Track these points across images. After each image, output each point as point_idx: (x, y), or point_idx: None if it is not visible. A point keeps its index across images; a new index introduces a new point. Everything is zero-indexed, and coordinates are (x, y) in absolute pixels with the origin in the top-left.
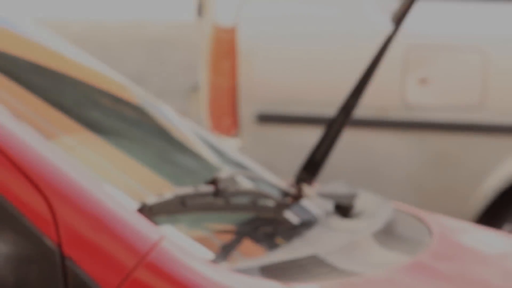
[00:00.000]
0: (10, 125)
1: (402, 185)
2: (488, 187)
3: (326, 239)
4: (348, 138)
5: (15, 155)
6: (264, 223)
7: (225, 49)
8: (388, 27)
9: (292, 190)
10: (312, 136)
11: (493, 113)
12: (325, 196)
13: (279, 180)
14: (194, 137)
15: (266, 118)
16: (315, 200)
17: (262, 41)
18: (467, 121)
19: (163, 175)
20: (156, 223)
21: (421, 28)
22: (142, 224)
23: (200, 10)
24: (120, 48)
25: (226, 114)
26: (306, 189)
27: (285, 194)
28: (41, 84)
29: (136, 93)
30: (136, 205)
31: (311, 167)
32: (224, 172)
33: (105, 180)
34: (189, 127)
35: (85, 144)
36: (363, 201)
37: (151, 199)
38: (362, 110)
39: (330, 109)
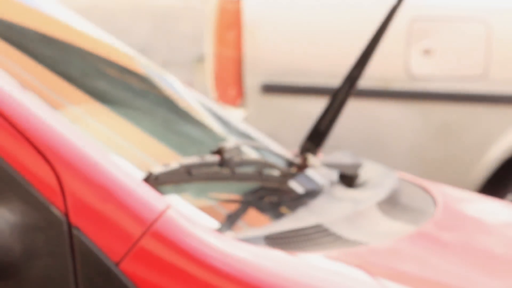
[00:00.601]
0: (17, 95)
1: (406, 155)
2: (491, 157)
3: (331, 209)
4: (353, 108)
5: (22, 125)
6: (269, 193)
7: (230, 19)
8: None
9: (297, 160)
10: (316, 106)
11: (497, 84)
12: (330, 166)
13: (284, 150)
14: (199, 108)
15: (270, 88)
16: (320, 170)
17: (266, 11)
18: (471, 91)
19: (169, 145)
20: (162, 192)
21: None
22: (148, 194)
23: None
24: (126, 19)
25: (231, 84)
26: (311, 159)
27: (290, 164)
28: (48, 54)
29: (142, 64)
30: (142, 175)
31: (316, 137)
32: (230, 142)
33: (112, 150)
34: (195, 98)
35: (92, 114)
36: (367, 171)
37: (157, 169)
38: (366, 80)
39: (334, 80)
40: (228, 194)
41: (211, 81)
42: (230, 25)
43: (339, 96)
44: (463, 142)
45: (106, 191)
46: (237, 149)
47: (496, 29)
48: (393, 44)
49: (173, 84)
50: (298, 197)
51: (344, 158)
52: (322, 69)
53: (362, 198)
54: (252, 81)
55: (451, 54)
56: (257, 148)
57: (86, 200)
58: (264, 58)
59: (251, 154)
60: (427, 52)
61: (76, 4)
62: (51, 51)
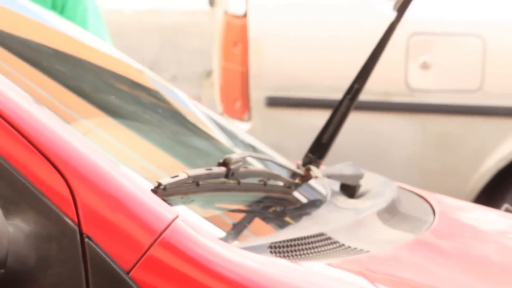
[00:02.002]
0: (31, 109)
1: (405, 165)
2: (487, 168)
3: (333, 218)
4: (354, 121)
5: (36, 138)
6: (274, 203)
7: (236, 35)
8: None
9: (301, 171)
10: (319, 119)
11: (492, 96)
12: (332, 177)
13: (288, 161)
14: (206, 121)
15: (275, 102)
16: (322, 181)
17: (271, 28)
18: (467, 104)
19: (177, 157)
20: (170, 203)
21: (423, 14)
22: (158, 204)
23: (212, 0)
24: (135, 35)
25: (237, 98)
26: (314, 170)
27: (294, 175)
28: (61, 69)
29: (151, 78)
30: (151, 186)
31: (319, 149)
32: (235, 154)
33: (122, 162)
34: (202, 111)
35: (103, 127)
36: (368, 182)
37: (166, 180)
38: (367, 94)
39: (336, 94)
40: (234, 204)
41: (218, 95)
42: (236, 40)
43: (341, 109)
44: (460, 152)
45: (117, 202)
46: (243, 160)
47: (492, 43)
48: (392, 58)
49: (181, 98)
50: (302, 207)
51: (346, 169)
52: (325, 84)
53: (363, 207)
54: (257, 94)
55: (448, 68)
56: (262, 160)
57: (97, 210)
58: (269, 72)
59: (256, 165)
60: (425, 66)
61: None
62: (64, 67)
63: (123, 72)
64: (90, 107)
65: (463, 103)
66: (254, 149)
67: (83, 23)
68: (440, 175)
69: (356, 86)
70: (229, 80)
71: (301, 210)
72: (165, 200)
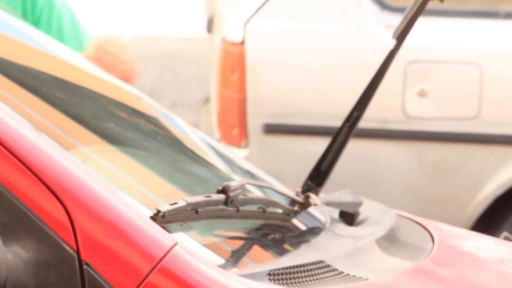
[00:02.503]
0: (30, 135)
1: (402, 193)
2: (484, 195)
3: (332, 246)
4: (351, 148)
5: (35, 164)
6: (273, 230)
7: (233, 62)
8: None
9: (300, 199)
10: (316, 146)
11: (489, 124)
12: (331, 204)
13: (287, 189)
14: (205, 147)
15: (272, 129)
16: (321, 208)
17: (268, 55)
18: (465, 131)
19: (176, 184)
20: (169, 230)
21: (420, 42)
22: (156, 231)
23: (209, 26)
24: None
25: (234, 125)
26: (313, 197)
27: (293, 202)
28: (60, 96)
29: (150, 105)
30: (150, 213)
31: (318, 177)
32: (235, 181)
33: (121, 189)
34: (201, 137)
35: (102, 154)
36: (367, 209)
37: (165, 207)
38: (364, 121)
39: (334, 121)
40: (233, 231)
41: (215, 121)
42: (234, 67)
43: (340, 137)
44: (457, 180)
45: (116, 229)
46: (242, 188)
47: (489, 71)
48: (389, 86)
49: (180, 125)
50: (301, 234)
51: (345, 196)
52: (321, 111)
53: (362, 235)
54: (255, 121)
55: (445, 96)
56: (261, 187)
57: (96, 237)
58: (266, 99)
59: (255, 192)
60: (422, 93)
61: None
62: (63, 93)
63: (122, 99)
64: (89, 134)
65: (460, 131)
66: (253, 176)
67: (59, 34)
68: (437, 202)
69: (355, 114)
70: (226, 107)
71: (300, 238)
72: (164, 227)
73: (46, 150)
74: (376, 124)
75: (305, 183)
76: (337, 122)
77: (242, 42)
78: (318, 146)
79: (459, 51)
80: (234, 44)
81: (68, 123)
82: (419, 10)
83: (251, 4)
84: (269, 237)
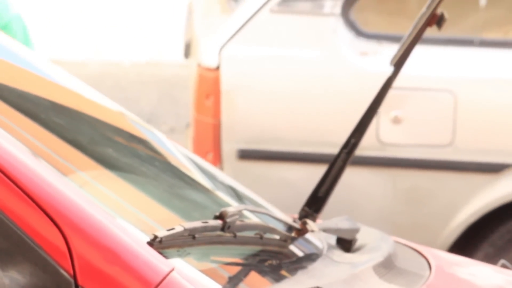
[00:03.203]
0: (28, 161)
1: (375, 220)
2: (458, 223)
3: (329, 272)
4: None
5: (32, 190)
6: (270, 256)
7: (208, 88)
8: (366, 69)
9: (297, 225)
10: (290, 172)
11: (463, 152)
12: (328, 230)
13: (284, 215)
14: (202, 173)
15: (247, 155)
16: (318, 235)
17: (243, 80)
18: (438, 158)
19: (173, 210)
20: (166, 255)
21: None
22: (153, 256)
23: (187, 51)
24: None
25: (209, 150)
26: (310, 223)
27: (290, 228)
28: (58, 121)
29: (146, 131)
30: (147, 238)
31: (315, 203)
32: (232, 207)
33: (118, 214)
34: (197, 163)
35: (99, 180)
36: (365, 236)
37: (162, 233)
38: (338, 147)
39: (308, 147)
40: (230, 257)
41: (191, 146)
42: (209, 93)
43: (338, 163)
44: (431, 207)
45: (113, 254)
46: (239, 213)
47: (462, 99)
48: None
49: (177, 151)
50: (298, 261)
51: (342, 223)
52: (296, 137)
53: (359, 261)
54: (229, 147)
55: (419, 123)
56: (258, 213)
57: (93, 262)
58: (241, 125)
59: (252, 218)
60: (396, 120)
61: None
62: (61, 119)
63: (119, 124)
64: (86, 159)
65: (434, 158)
66: (249, 201)
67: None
68: (411, 229)
69: (353, 140)
70: (201, 132)
71: (297, 264)
72: (161, 253)
73: (44, 175)
74: None
75: (303, 209)
76: (311, 148)
77: (217, 68)
78: (293, 172)
79: (433, 78)
80: (209, 69)
81: (65, 148)
82: (417, 37)
83: (227, 29)
84: (266, 263)
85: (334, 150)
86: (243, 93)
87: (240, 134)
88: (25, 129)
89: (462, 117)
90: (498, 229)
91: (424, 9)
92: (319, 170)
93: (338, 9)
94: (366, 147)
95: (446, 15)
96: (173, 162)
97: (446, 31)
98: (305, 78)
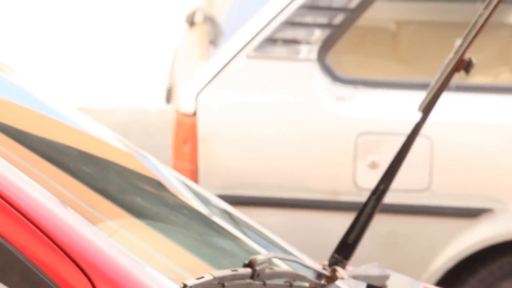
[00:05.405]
0: (57, 210)
1: (353, 264)
2: (436, 268)
3: None
4: (302, 219)
5: (62, 239)
6: None
7: (185, 134)
8: (342, 114)
9: (327, 272)
10: (267, 217)
11: (440, 196)
12: (358, 277)
13: (313, 262)
14: (230, 220)
15: (224, 200)
16: (348, 282)
17: (220, 126)
18: (415, 203)
19: (202, 257)
20: None
21: (371, 114)
22: None
23: (168, 97)
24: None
25: None
26: (340, 271)
27: (320, 275)
28: (86, 170)
29: (174, 178)
30: (177, 287)
31: (345, 250)
32: (261, 255)
33: (147, 263)
34: (226, 210)
35: (128, 228)
36: (394, 282)
37: (192, 281)
38: (314, 192)
39: (285, 192)
40: None
41: None
42: (186, 139)
43: (367, 209)
44: (409, 252)
45: None
46: (268, 261)
47: (439, 143)
48: (340, 157)
49: (205, 197)
50: None
51: (372, 270)
52: (273, 182)
53: None
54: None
55: None
56: (288, 260)
57: None
58: (218, 171)
59: (281, 266)
60: (373, 165)
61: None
62: (89, 168)
63: (147, 172)
64: (115, 208)
65: (411, 203)
66: (278, 247)
67: None
68: None
69: (381, 186)
70: None
71: None
72: None
73: (73, 224)
74: (326, 195)
75: (332, 256)
76: (289, 194)
77: (194, 113)
78: (270, 217)
79: (409, 123)
80: (186, 115)
81: (94, 197)
82: (445, 83)
83: (204, 75)
84: None
85: (311, 195)
86: (220, 138)
87: (217, 180)
88: (54, 179)
89: (438, 162)
90: (476, 273)
91: (451, 54)
92: (296, 215)
93: (314, 54)
94: (343, 192)
95: (474, 61)
96: (201, 209)
97: (423, 75)
98: (282, 123)
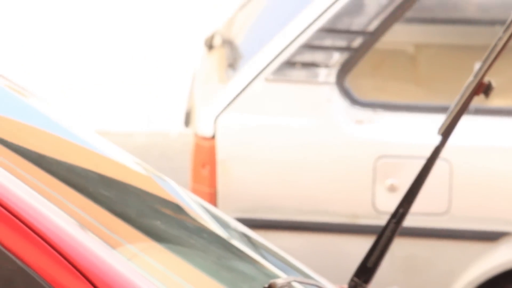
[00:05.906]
0: (76, 234)
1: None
2: None
3: None
4: (321, 242)
5: (81, 262)
6: None
7: (204, 157)
8: (360, 137)
9: None
10: (286, 241)
11: (459, 220)
12: None
13: (333, 285)
14: (250, 243)
15: (243, 224)
16: None
17: (239, 149)
18: (435, 227)
19: (222, 281)
20: None
21: (390, 137)
22: None
23: (187, 121)
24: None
25: None
26: None
27: None
28: (105, 194)
29: (193, 201)
30: None
31: (364, 273)
32: (281, 278)
33: (167, 286)
34: (245, 233)
35: (147, 252)
36: None
37: None
38: (333, 216)
39: (303, 215)
40: None
41: None
42: (205, 162)
43: (386, 233)
44: (428, 276)
45: None
46: (288, 285)
47: (458, 167)
48: (359, 181)
49: (224, 221)
50: None
51: None
52: (292, 205)
53: None
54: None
55: None
56: (308, 284)
57: None
58: (236, 194)
59: None
60: (392, 188)
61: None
62: (108, 191)
63: (166, 195)
64: (134, 232)
65: (431, 226)
66: (298, 271)
67: None
68: None
69: (401, 210)
70: None
71: None
72: None
73: (92, 248)
74: (345, 219)
75: (352, 280)
76: (307, 217)
77: (213, 137)
78: (289, 240)
79: (428, 146)
80: (205, 138)
81: (113, 220)
82: (465, 106)
83: (222, 98)
84: None
85: (331, 218)
86: (239, 162)
87: (236, 203)
88: (73, 202)
89: (458, 185)
90: None
91: (471, 77)
92: (315, 239)
93: (333, 77)
94: (362, 215)
95: (494, 84)
96: (220, 232)
97: (442, 98)
98: (301, 147)
